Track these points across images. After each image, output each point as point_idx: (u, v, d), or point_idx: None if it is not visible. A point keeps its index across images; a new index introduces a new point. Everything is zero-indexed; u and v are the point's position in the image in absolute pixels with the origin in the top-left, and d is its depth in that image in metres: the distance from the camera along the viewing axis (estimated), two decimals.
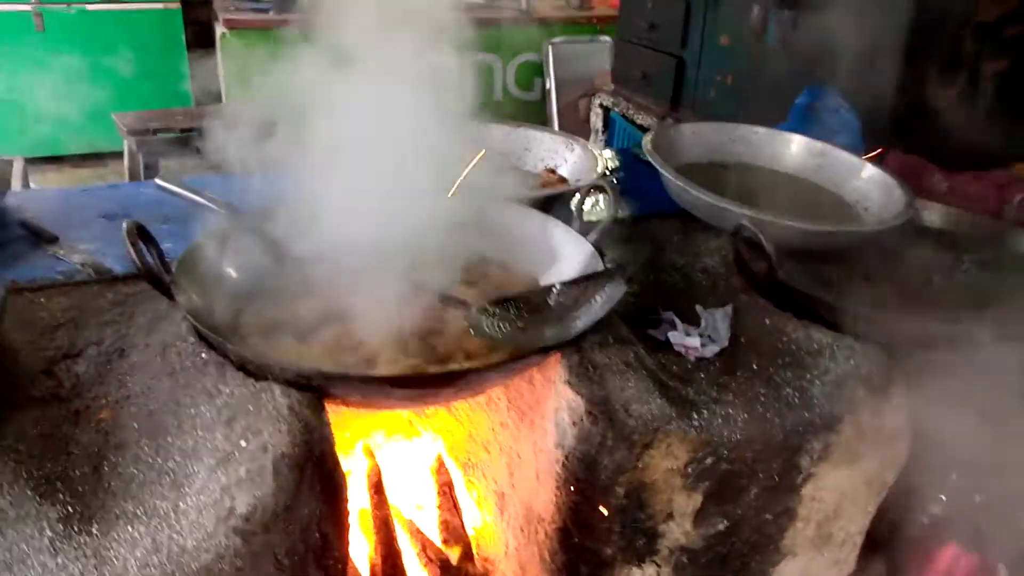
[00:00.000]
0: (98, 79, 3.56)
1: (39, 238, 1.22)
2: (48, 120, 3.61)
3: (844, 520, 1.12)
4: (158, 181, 1.15)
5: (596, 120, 2.89)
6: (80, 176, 3.60)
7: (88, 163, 3.68)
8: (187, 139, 2.42)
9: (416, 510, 1.27)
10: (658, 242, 1.38)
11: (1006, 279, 1.24)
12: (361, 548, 1.16)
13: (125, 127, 2.36)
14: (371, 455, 1.24)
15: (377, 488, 1.18)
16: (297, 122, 1.07)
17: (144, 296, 1.06)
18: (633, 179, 1.71)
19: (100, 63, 3.58)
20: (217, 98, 3.07)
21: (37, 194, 1.52)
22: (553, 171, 1.56)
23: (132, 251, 0.84)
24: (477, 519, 1.28)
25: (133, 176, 2.44)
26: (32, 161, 3.66)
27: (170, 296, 0.87)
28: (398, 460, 1.32)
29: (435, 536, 1.20)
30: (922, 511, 1.22)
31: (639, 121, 2.67)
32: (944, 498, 1.21)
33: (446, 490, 1.27)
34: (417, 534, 1.18)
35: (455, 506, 1.23)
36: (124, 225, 0.87)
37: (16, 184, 1.94)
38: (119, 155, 2.88)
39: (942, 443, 1.34)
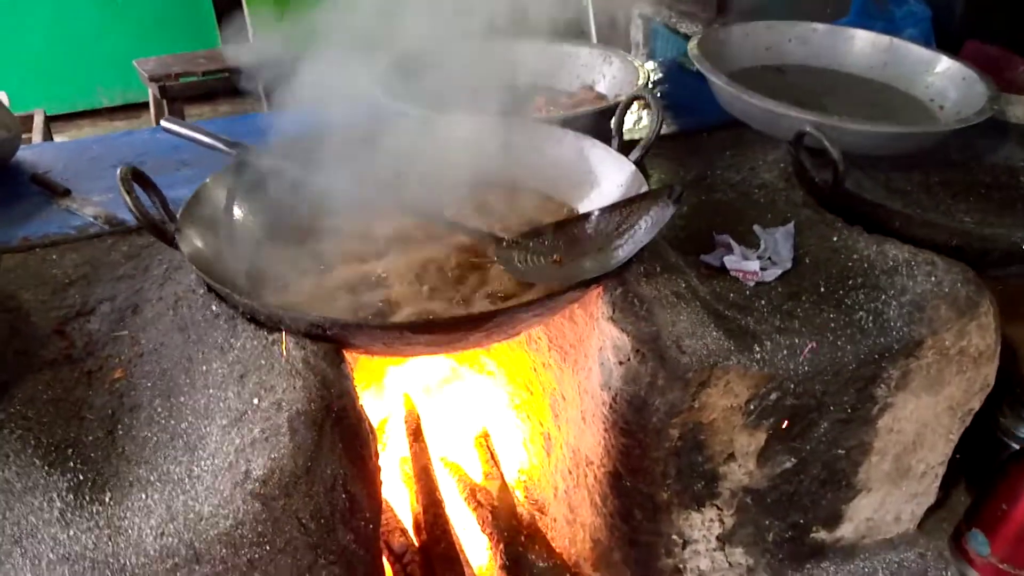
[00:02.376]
0: (123, 26, 3.49)
1: (52, 192, 1.17)
2: (77, 72, 3.57)
3: (924, 451, 1.02)
4: (163, 123, 1.07)
5: (636, 33, 2.71)
6: (114, 128, 3.57)
7: (122, 114, 3.64)
8: (213, 82, 2.34)
9: (461, 453, 1.21)
10: (709, 158, 1.26)
11: None
12: (402, 497, 1.11)
13: (147, 73, 2.29)
14: (409, 401, 1.18)
15: (416, 435, 1.12)
16: (322, 58, 0.99)
17: (159, 247, 1.00)
18: (679, 92, 1.58)
19: (125, 9, 3.50)
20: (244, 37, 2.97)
21: (50, 147, 1.47)
22: (591, 88, 1.44)
23: (127, 198, 0.77)
24: (524, 461, 1.22)
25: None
26: (67, 116, 3.65)
27: (173, 244, 0.80)
28: (440, 404, 1.26)
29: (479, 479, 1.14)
30: (1012, 436, 1.12)
31: (683, 30, 2.49)
32: None
33: (483, 440, 1.21)
34: (464, 479, 1.12)
35: (493, 455, 1.17)
36: (118, 171, 0.79)
37: (37, 138, 1.90)
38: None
39: None
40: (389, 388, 1.23)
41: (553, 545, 1.06)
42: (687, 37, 2.45)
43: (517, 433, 1.22)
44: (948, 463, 1.08)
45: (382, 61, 1.27)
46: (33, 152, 1.32)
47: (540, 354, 1.07)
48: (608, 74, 1.43)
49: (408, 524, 1.05)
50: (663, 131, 1.38)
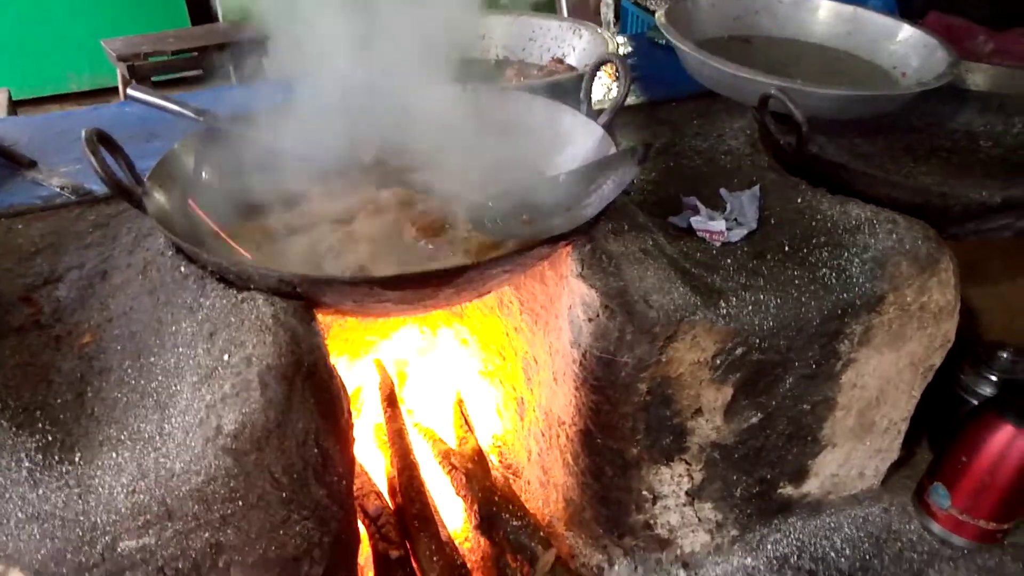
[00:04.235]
0: (93, 8, 3.42)
1: (17, 164, 1.15)
2: (45, 56, 3.51)
3: (887, 407, 1.04)
4: (130, 91, 1.06)
5: (607, 11, 2.72)
6: None
7: (91, 100, 3.58)
8: (182, 62, 2.32)
9: (436, 420, 1.22)
10: (677, 127, 1.28)
11: None
12: (378, 462, 1.12)
13: (115, 52, 2.26)
14: (382, 368, 1.19)
15: (390, 401, 1.13)
16: (292, 32, 0.98)
17: (127, 215, 1.00)
18: (648, 64, 1.59)
19: None
20: (214, 18, 2.93)
21: (15, 121, 1.45)
22: (560, 61, 1.45)
23: (92, 159, 0.76)
24: (498, 427, 1.24)
25: None
26: (35, 101, 3.58)
27: (141, 207, 0.80)
28: (414, 373, 1.26)
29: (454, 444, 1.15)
30: (972, 392, 1.15)
31: (653, 8, 2.50)
32: (995, 378, 1.13)
33: (458, 407, 1.22)
34: (438, 443, 1.13)
35: (467, 421, 1.18)
36: (83, 133, 0.79)
37: (1, 115, 1.88)
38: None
39: (993, 319, 1.26)
40: (362, 358, 1.23)
41: (527, 507, 1.07)
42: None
43: (491, 399, 1.23)
44: (911, 421, 1.11)
45: (350, 36, 1.27)
46: None
47: (512, 318, 1.08)
48: (578, 47, 1.44)
49: (383, 488, 1.06)
50: (632, 101, 1.41)
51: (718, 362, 0.88)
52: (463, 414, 1.19)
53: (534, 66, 1.45)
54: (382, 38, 1.26)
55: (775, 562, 1.06)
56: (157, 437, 0.70)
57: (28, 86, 3.48)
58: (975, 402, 1.13)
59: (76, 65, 3.60)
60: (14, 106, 2.24)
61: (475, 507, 1.00)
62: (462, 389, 1.25)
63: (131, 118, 1.32)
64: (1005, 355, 1.15)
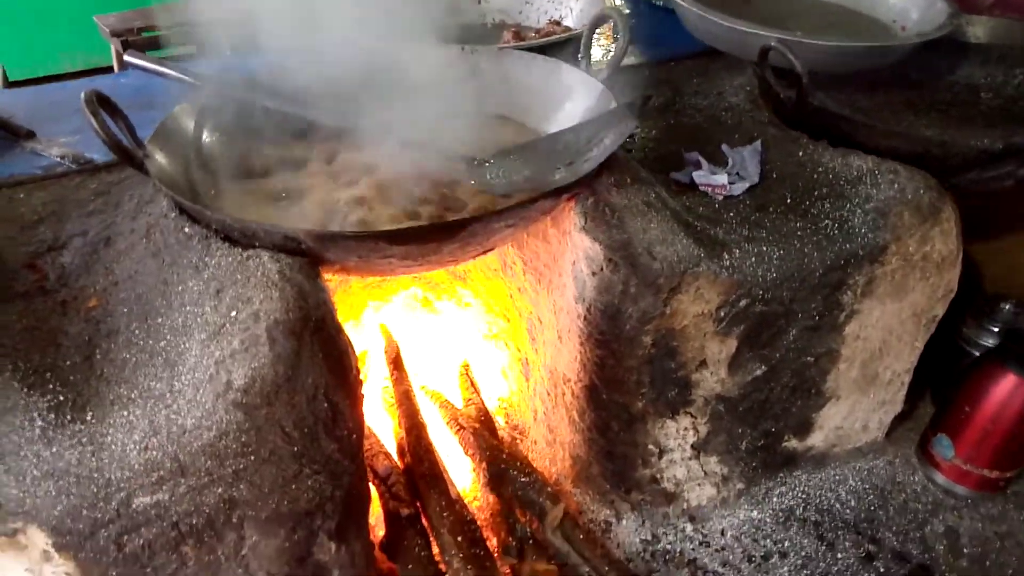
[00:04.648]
0: None
1: (15, 135, 1.15)
2: (36, 36, 3.47)
3: (891, 358, 1.05)
4: (127, 56, 1.05)
5: None
6: None
7: (85, 79, 3.55)
8: (176, 35, 2.30)
9: (441, 384, 1.23)
10: (676, 86, 1.27)
11: None
12: (386, 424, 1.13)
13: (108, 28, 2.24)
14: (387, 332, 1.19)
15: (396, 364, 1.14)
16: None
17: (129, 183, 1.00)
18: (646, 25, 1.58)
19: None
20: None
21: (10, 93, 1.44)
22: (558, 23, 1.44)
23: (93, 121, 0.76)
24: (504, 389, 1.24)
25: None
26: (27, 83, 3.55)
27: (142, 169, 0.80)
28: (419, 338, 1.27)
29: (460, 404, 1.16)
30: (974, 344, 1.15)
31: None
32: (997, 329, 1.14)
33: (464, 371, 1.22)
34: (446, 404, 1.14)
35: (472, 383, 1.19)
36: (82, 95, 0.78)
37: None
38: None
39: (993, 274, 1.26)
40: (367, 323, 1.23)
41: (534, 466, 1.08)
42: None
43: (496, 362, 1.24)
44: (914, 375, 1.12)
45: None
46: None
47: (516, 279, 1.08)
48: (575, 8, 1.43)
49: (392, 449, 1.07)
50: (630, 62, 1.40)
51: (722, 314, 0.88)
52: (469, 377, 1.19)
53: (531, 29, 1.44)
54: (376, 4, 1.26)
55: (781, 514, 1.07)
56: (168, 394, 0.70)
57: (20, 66, 3.44)
58: (977, 354, 1.14)
59: (68, 44, 3.56)
60: (8, 86, 2.22)
61: (483, 465, 1.01)
62: (467, 353, 1.26)
63: (127, 88, 1.32)
64: (1007, 307, 1.15)
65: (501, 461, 1.01)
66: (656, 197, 0.88)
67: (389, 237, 0.72)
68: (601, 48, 1.48)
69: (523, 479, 1.00)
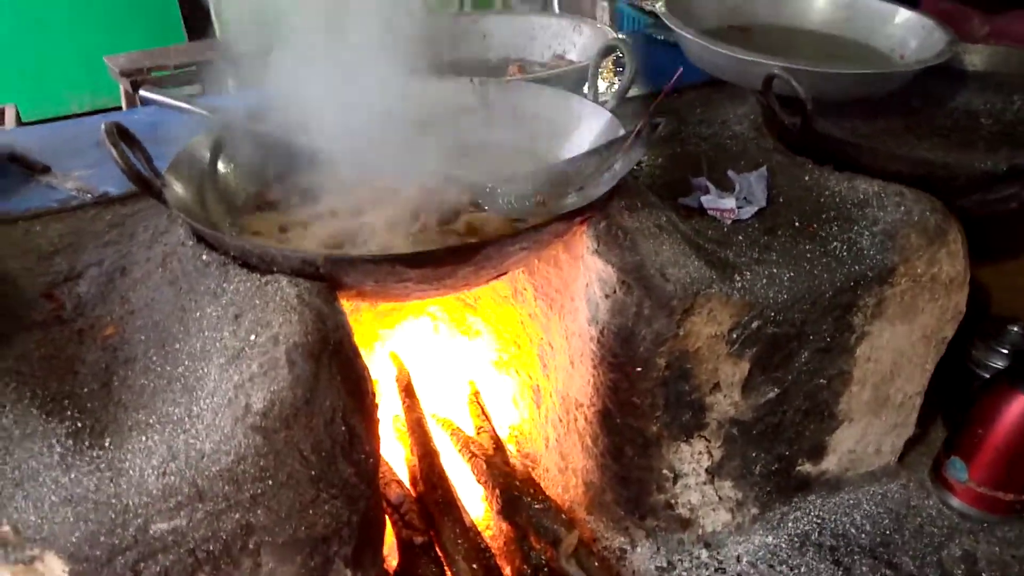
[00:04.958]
0: (89, 29, 3.46)
1: (31, 170, 1.17)
2: (44, 78, 3.53)
3: (902, 380, 1.05)
4: (143, 92, 1.07)
5: (602, 14, 2.74)
6: None
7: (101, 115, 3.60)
8: (184, 76, 2.35)
9: (452, 412, 1.23)
10: (681, 116, 1.30)
11: None
12: (397, 453, 1.12)
13: (117, 68, 2.28)
14: (398, 360, 1.19)
15: (408, 391, 1.14)
16: (290, 42, 1.00)
17: (143, 215, 1.01)
18: (648, 59, 1.61)
19: (88, 9, 3.47)
20: (209, 33, 2.96)
21: (25, 131, 1.47)
22: (563, 56, 1.47)
23: (113, 151, 0.78)
24: (515, 417, 1.24)
25: None
26: (35, 124, 3.60)
27: (160, 198, 0.81)
28: (429, 366, 1.27)
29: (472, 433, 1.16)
30: (984, 367, 1.16)
31: (649, 7, 2.53)
32: (1006, 351, 1.14)
33: (474, 398, 1.23)
34: (457, 432, 1.14)
35: (483, 411, 1.19)
36: (102, 126, 0.80)
37: (10, 126, 1.90)
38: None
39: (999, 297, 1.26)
40: (378, 352, 1.24)
41: (547, 493, 1.08)
42: (653, 15, 2.49)
43: (506, 389, 1.24)
44: (925, 399, 1.12)
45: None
46: (7, 135, 1.32)
47: (526, 305, 1.09)
48: (579, 43, 1.46)
49: (404, 477, 1.06)
50: (634, 93, 1.42)
51: (734, 336, 0.89)
52: (479, 404, 1.19)
53: (536, 63, 1.47)
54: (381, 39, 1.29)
55: (796, 539, 1.06)
56: (186, 419, 0.70)
57: (29, 108, 3.50)
58: (987, 376, 1.14)
59: (76, 86, 3.62)
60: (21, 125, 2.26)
61: (496, 492, 1.01)
62: (477, 380, 1.26)
63: (141, 124, 1.31)
64: (1015, 329, 1.16)
65: (514, 488, 1.01)
66: (667, 220, 0.89)
67: (406, 260, 0.73)
68: (604, 82, 1.51)
69: (537, 506, 0.99)
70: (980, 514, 1.09)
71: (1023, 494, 1.07)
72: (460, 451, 1.09)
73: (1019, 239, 1.31)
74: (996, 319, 1.18)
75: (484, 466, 1.04)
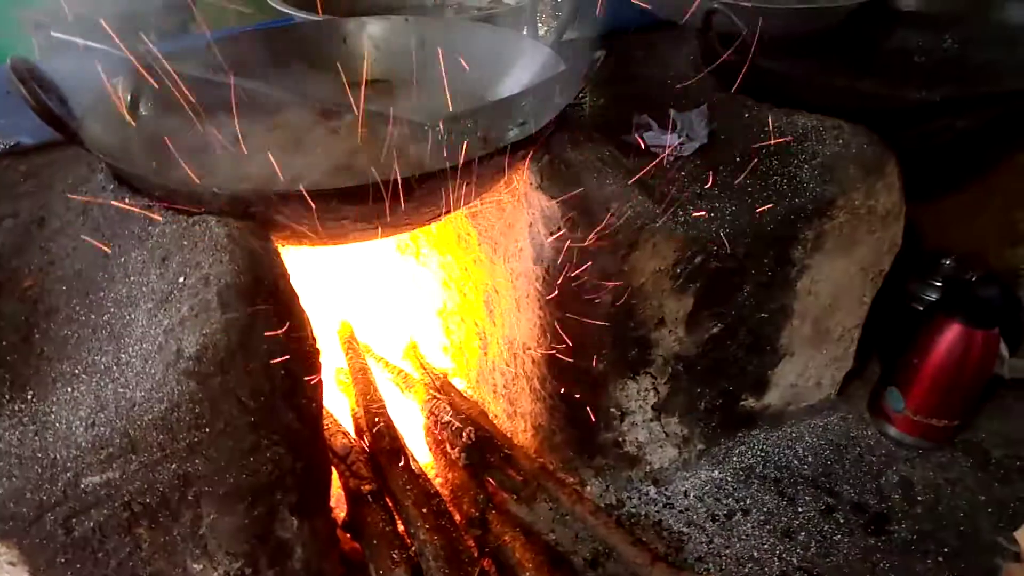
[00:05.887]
0: None
1: None
2: None
3: (841, 314, 1.07)
4: (55, 33, 1.01)
5: None
6: None
7: None
8: None
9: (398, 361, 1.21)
10: (622, 59, 1.28)
11: (991, 51, 1.16)
12: (342, 404, 1.10)
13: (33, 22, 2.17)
14: (340, 313, 1.17)
15: (350, 342, 1.11)
16: None
17: (61, 164, 0.95)
18: (588, 3, 1.58)
19: None
20: None
21: None
22: (499, 1, 1.43)
23: (22, 88, 0.72)
24: (462, 366, 1.23)
25: None
26: None
27: (77, 140, 0.76)
28: (373, 317, 1.25)
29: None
30: (919, 300, 1.19)
31: None
32: (940, 283, 1.17)
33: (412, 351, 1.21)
34: (405, 376, 1.12)
35: (422, 364, 1.18)
36: (9, 60, 0.74)
37: None
38: None
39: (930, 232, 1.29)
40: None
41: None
42: None
43: (452, 339, 1.22)
44: (863, 332, 1.14)
45: None
46: None
47: (471, 251, 1.07)
48: None
49: (350, 428, 1.05)
50: (572, 36, 1.40)
51: (678, 271, 0.89)
52: (419, 358, 1.18)
53: (473, 7, 1.43)
54: None
55: (741, 473, 1.08)
56: (114, 367, 0.67)
57: None
58: (922, 309, 1.17)
59: None
60: None
61: (460, 434, 1.00)
62: (421, 333, 1.24)
63: (57, 73, 1.26)
64: (948, 262, 1.19)
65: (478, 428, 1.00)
66: (610, 155, 0.88)
67: (343, 194, 0.70)
68: (543, 27, 1.48)
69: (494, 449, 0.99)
70: (916, 441, 1.13)
71: (955, 420, 1.11)
72: (403, 392, 1.08)
73: (949, 178, 1.34)
74: (930, 252, 1.21)
75: (446, 405, 1.03)
